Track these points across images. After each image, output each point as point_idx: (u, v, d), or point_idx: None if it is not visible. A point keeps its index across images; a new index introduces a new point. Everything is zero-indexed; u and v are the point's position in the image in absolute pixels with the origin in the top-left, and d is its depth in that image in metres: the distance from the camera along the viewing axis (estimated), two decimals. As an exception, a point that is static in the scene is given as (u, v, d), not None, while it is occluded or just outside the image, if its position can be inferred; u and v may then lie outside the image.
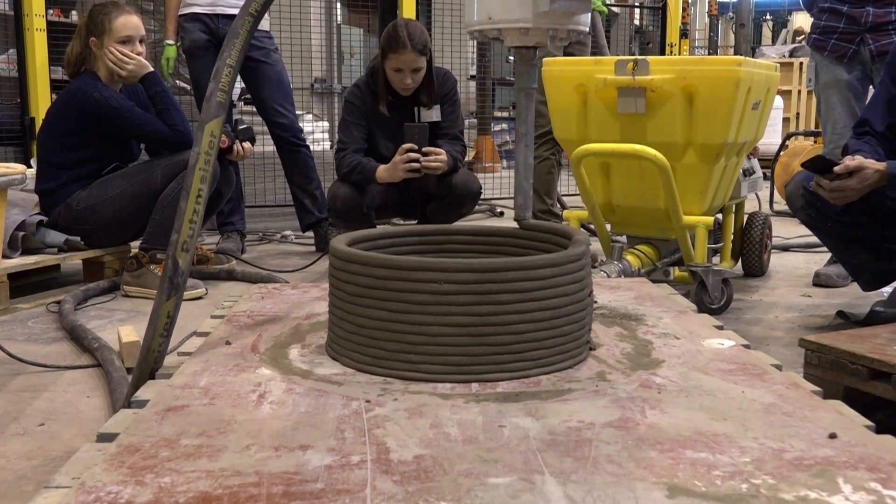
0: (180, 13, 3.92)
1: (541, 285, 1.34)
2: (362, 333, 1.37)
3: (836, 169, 2.26)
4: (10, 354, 2.14)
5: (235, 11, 3.88)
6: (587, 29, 1.56)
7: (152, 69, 3.22)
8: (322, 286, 1.97)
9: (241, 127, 3.43)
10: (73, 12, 7.02)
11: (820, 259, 3.70)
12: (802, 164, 2.32)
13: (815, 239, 4.27)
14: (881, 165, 2.24)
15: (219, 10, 3.88)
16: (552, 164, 4.05)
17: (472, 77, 9.44)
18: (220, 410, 1.18)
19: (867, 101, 2.75)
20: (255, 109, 4.42)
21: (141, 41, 3.20)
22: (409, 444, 1.05)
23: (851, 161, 2.26)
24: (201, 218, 1.43)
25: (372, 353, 1.36)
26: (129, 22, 3.16)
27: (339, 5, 9.11)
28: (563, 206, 4.38)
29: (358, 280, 1.37)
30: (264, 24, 3.99)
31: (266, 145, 4.79)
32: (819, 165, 2.29)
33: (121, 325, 2.54)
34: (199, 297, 3.02)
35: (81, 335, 2.37)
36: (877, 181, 2.24)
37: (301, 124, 4.28)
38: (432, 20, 6.59)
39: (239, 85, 4.74)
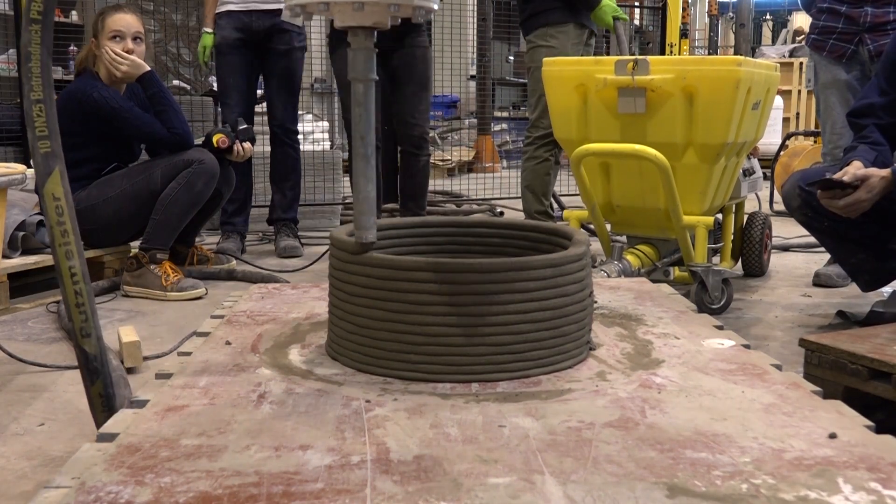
0: (218, 11, 3.95)
1: (541, 285, 1.34)
2: (362, 333, 1.37)
3: (845, 179, 2.25)
4: (10, 354, 2.14)
5: (269, 7, 3.90)
6: (436, 6, 1.31)
7: (149, 69, 3.21)
8: (322, 286, 1.97)
9: (240, 127, 3.44)
10: (73, 12, 7.02)
11: (820, 259, 3.70)
12: (810, 186, 2.32)
13: (815, 239, 4.28)
14: (885, 172, 2.24)
15: (252, 7, 3.90)
16: (551, 166, 4.06)
17: (472, 77, 9.43)
18: (220, 410, 1.18)
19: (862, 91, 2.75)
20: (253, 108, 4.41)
21: (137, 39, 3.19)
22: (409, 444, 1.05)
23: (857, 171, 2.26)
24: (88, 295, 1.27)
25: (372, 353, 1.36)
26: (121, 19, 3.16)
27: (339, 5, 9.09)
28: (562, 207, 4.38)
29: (358, 280, 1.37)
30: (295, 20, 4.02)
31: (266, 145, 4.79)
32: (827, 186, 2.28)
33: (121, 325, 2.54)
34: (199, 297, 3.02)
35: (81, 335, 2.37)
36: (884, 187, 2.24)
37: (300, 125, 4.29)
38: (432, 20, 6.59)
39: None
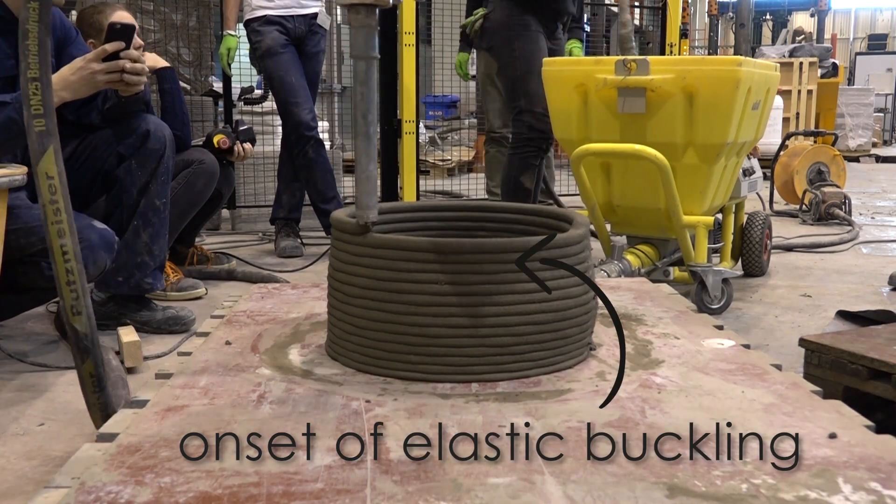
0: (252, 17, 3.90)
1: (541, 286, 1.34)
2: (362, 334, 1.37)
3: None
4: (10, 354, 2.14)
5: (307, 11, 3.88)
6: None
7: (168, 65, 3.23)
8: (322, 286, 1.97)
9: (241, 128, 3.44)
10: (74, 12, 7.01)
11: (820, 259, 3.70)
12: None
13: (815, 239, 4.28)
14: None
15: (292, 12, 3.87)
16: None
17: (472, 77, 9.40)
18: (220, 410, 1.18)
19: None
20: (254, 108, 4.39)
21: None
22: (409, 444, 1.05)
23: None
24: (80, 274, 1.26)
25: (371, 354, 1.36)
26: (123, 18, 3.16)
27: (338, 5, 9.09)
28: (560, 206, 4.38)
29: (358, 281, 1.37)
30: (325, 22, 4.01)
31: (265, 145, 4.79)
32: None
33: (120, 325, 2.54)
34: (199, 297, 3.02)
35: (81, 335, 2.37)
36: None
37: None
38: (432, 20, 6.57)
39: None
